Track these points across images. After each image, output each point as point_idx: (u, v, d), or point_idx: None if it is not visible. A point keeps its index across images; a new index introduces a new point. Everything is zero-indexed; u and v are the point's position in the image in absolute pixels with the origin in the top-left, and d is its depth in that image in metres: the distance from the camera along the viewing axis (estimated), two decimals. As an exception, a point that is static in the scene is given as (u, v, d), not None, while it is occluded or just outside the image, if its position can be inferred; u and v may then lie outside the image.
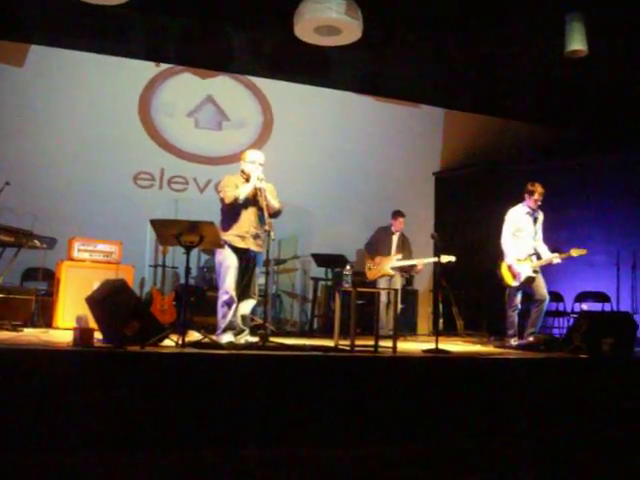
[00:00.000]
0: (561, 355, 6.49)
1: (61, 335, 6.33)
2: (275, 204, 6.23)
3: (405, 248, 9.26)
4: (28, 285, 8.54)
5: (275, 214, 6.25)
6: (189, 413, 4.58)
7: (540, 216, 7.66)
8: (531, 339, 7.25)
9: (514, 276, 7.42)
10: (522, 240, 7.54)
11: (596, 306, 9.46)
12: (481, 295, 10.04)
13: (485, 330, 9.77)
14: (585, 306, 9.52)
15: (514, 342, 7.36)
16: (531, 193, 7.51)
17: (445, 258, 8.07)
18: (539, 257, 7.47)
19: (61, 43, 9.65)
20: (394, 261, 9.03)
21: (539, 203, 7.54)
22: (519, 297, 7.48)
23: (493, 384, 5.51)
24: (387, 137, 11.41)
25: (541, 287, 7.40)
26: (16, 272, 8.32)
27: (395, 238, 9.31)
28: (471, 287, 10.36)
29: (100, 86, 10.01)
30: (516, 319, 7.47)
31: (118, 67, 10.07)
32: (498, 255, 7.60)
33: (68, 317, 7.42)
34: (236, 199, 6.10)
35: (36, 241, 7.23)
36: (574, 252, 7.26)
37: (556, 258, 7.39)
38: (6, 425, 4.14)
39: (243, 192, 6.13)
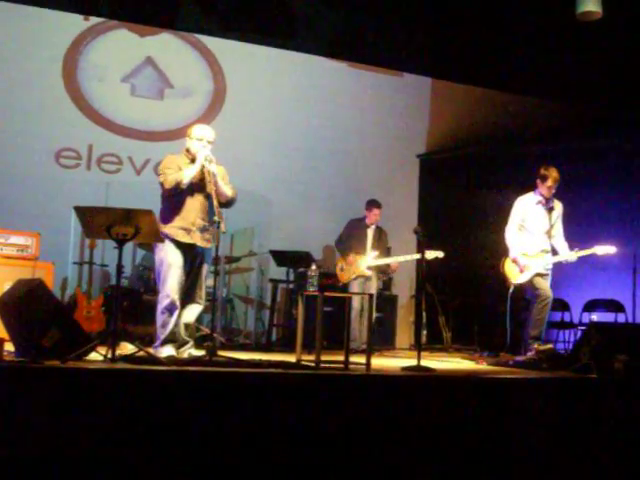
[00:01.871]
0: (566, 375, 6.54)
1: (-37, 346, 6.26)
2: (227, 191, 6.23)
3: (382, 243, 9.30)
4: None
5: (227, 203, 6.26)
6: (119, 441, 4.55)
7: (557, 207, 7.71)
8: (530, 354, 7.32)
9: (520, 271, 7.50)
10: (531, 235, 7.61)
11: (608, 317, 9.59)
12: (473, 302, 10.13)
13: (476, 344, 9.85)
14: (595, 317, 9.64)
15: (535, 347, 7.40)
16: (544, 179, 7.56)
17: (431, 254, 8.10)
18: (555, 254, 7.55)
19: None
20: (370, 259, 9.07)
21: (553, 191, 7.60)
22: (543, 283, 7.51)
23: (485, 409, 5.55)
24: (363, 112, 11.44)
25: (546, 284, 7.49)
26: None
27: (370, 232, 9.36)
28: (461, 292, 10.44)
29: (13, 44, 9.87)
30: (547, 315, 7.52)
31: (36, 20, 9.92)
32: (501, 252, 7.67)
33: (-28, 324, 7.34)
34: (179, 184, 6.09)
35: None
36: (599, 250, 7.31)
37: (574, 255, 7.43)
38: None
39: (187, 175, 6.11)
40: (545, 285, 7.51)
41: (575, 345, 7.52)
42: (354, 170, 11.17)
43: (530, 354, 7.35)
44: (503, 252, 7.67)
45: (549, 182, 7.52)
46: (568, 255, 7.46)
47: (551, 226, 7.67)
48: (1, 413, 4.35)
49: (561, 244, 7.66)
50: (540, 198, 7.63)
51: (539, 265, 7.47)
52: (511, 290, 7.73)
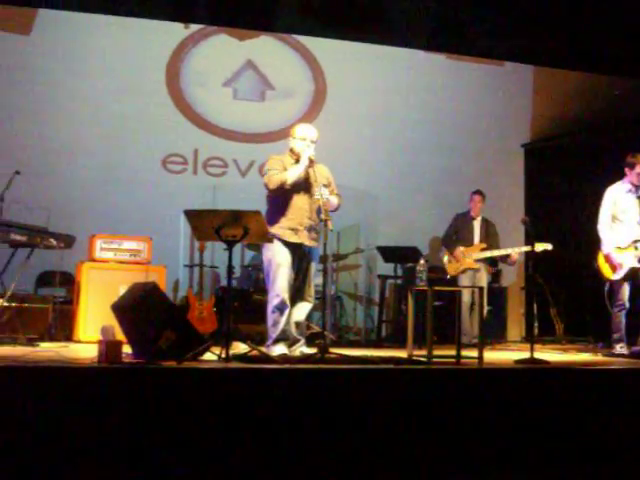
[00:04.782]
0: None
1: (84, 350, 6.46)
2: (334, 201, 6.25)
3: (490, 235, 9.20)
4: (44, 292, 8.71)
5: (334, 210, 6.27)
6: (235, 438, 4.62)
7: None
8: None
9: (613, 268, 7.31)
10: (624, 225, 7.40)
11: None
12: (585, 292, 9.90)
13: (591, 335, 9.63)
14: None
15: (620, 348, 7.24)
16: (631, 166, 7.37)
17: (540, 246, 7.99)
18: None
19: (72, 5, 9.78)
20: (478, 251, 8.98)
21: None
22: (625, 293, 7.33)
23: (601, 401, 5.42)
24: (464, 104, 11.32)
25: None
26: (29, 277, 8.49)
27: (477, 224, 9.26)
28: (572, 282, 10.22)
29: (120, 55, 10.16)
30: (623, 320, 7.34)
31: (140, 31, 10.17)
32: (596, 243, 7.49)
33: (91, 328, 7.56)
34: (283, 184, 6.12)
35: (52, 240, 7.32)
36: None
37: None
38: (22, 454, 4.24)
39: (292, 175, 6.14)
40: None
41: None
42: (458, 163, 11.06)
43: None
44: (597, 245, 7.48)
45: (638, 169, 7.32)
46: None
47: None
48: (122, 412, 4.47)
49: None
50: (630, 186, 7.42)
51: (633, 259, 7.25)
52: (607, 287, 7.53)
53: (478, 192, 9.31)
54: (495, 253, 9.01)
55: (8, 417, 4.28)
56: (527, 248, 8.07)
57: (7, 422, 4.27)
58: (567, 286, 10.28)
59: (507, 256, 9.02)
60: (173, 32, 10.45)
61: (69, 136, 9.78)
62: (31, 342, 6.93)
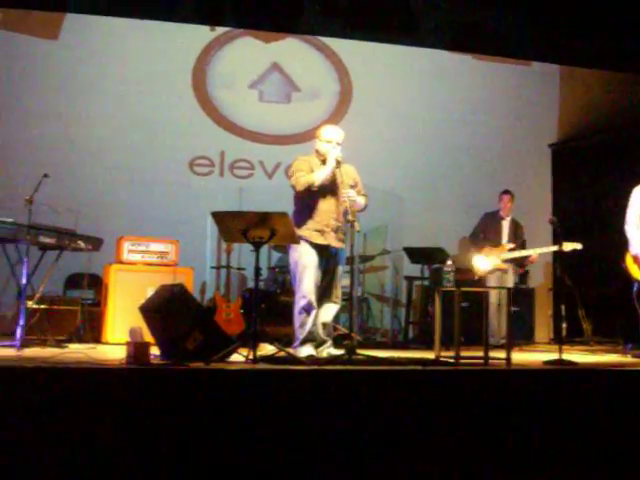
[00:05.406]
0: None
1: (112, 351, 6.50)
2: (361, 201, 6.25)
3: (518, 236, 9.16)
4: (72, 294, 8.78)
5: (360, 211, 6.27)
6: (262, 440, 4.63)
7: None
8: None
9: None
10: None
11: None
12: (613, 293, 9.81)
13: (619, 336, 9.55)
14: None
15: None
16: None
17: (569, 246, 7.94)
18: None
19: (99, 9, 9.85)
20: (506, 252, 8.94)
21: None
22: None
23: (630, 403, 5.37)
24: (490, 103, 11.28)
25: None
26: (58, 279, 8.58)
27: (505, 224, 9.23)
28: (600, 283, 10.14)
29: (146, 58, 10.23)
30: None
31: (166, 34, 10.23)
32: (624, 244, 7.44)
33: (119, 330, 7.60)
34: (310, 186, 6.13)
35: (80, 242, 7.36)
36: None
37: None
38: (51, 453, 4.27)
39: (319, 177, 6.14)
40: None
41: None
42: (484, 163, 11.02)
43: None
44: (625, 246, 7.41)
45: None
46: None
47: None
48: (150, 412, 4.49)
49: None
50: None
51: None
52: (635, 288, 7.47)
53: (507, 192, 9.26)
54: (523, 253, 8.96)
55: (37, 417, 4.32)
56: (555, 248, 8.02)
57: (37, 422, 4.30)
58: (595, 287, 10.19)
59: (527, 256, 8.98)
60: (199, 35, 10.48)
61: (97, 139, 9.84)
62: (60, 344, 6.99)
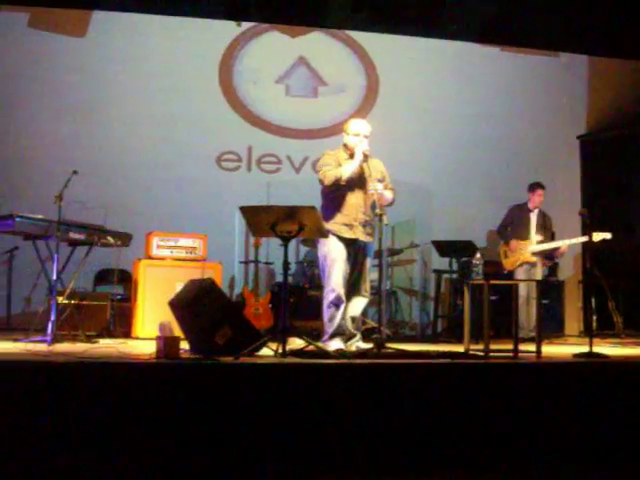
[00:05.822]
0: None
1: (142, 346, 6.54)
2: (388, 195, 6.23)
3: (546, 228, 9.10)
4: (102, 289, 8.84)
5: (388, 204, 6.26)
6: (293, 433, 4.63)
7: None
8: None
9: None
10: None
11: None
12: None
13: (651, 328, 9.50)
14: None
15: None
16: None
17: (599, 236, 7.88)
18: None
19: (126, 6, 9.91)
20: (535, 244, 8.89)
21: None
22: None
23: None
24: (519, 96, 11.19)
25: None
26: (88, 274, 8.65)
27: (533, 216, 9.16)
28: (630, 275, 10.06)
29: (173, 55, 10.26)
30: None
31: (192, 30, 10.28)
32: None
33: (149, 325, 7.66)
34: (338, 179, 6.12)
35: (109, 238, 7.42)
36: None
37: None
38: (83, 446, 4.30)
39: (347, 171, 6.13)
40: None
41: None
42: (512, 155, 10.95)
43: None
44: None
45: None
46: None
47: None
48: (180, 406, 4.51)
49: None
50: None
51: None
52: None
53: (541, 186, 9.17)
54: (552, 245, 8.89)
55: (69, 411, 4.35)
56: (585, 238, 7.95)
57: (68, 416, 4.34)
58: (625, 279, 10.11)
59: (556, 248, 8.91)
60: (225, 31, 10.51)
61: (124, 135, 9.89)
62: (90, 339, 7.03)
